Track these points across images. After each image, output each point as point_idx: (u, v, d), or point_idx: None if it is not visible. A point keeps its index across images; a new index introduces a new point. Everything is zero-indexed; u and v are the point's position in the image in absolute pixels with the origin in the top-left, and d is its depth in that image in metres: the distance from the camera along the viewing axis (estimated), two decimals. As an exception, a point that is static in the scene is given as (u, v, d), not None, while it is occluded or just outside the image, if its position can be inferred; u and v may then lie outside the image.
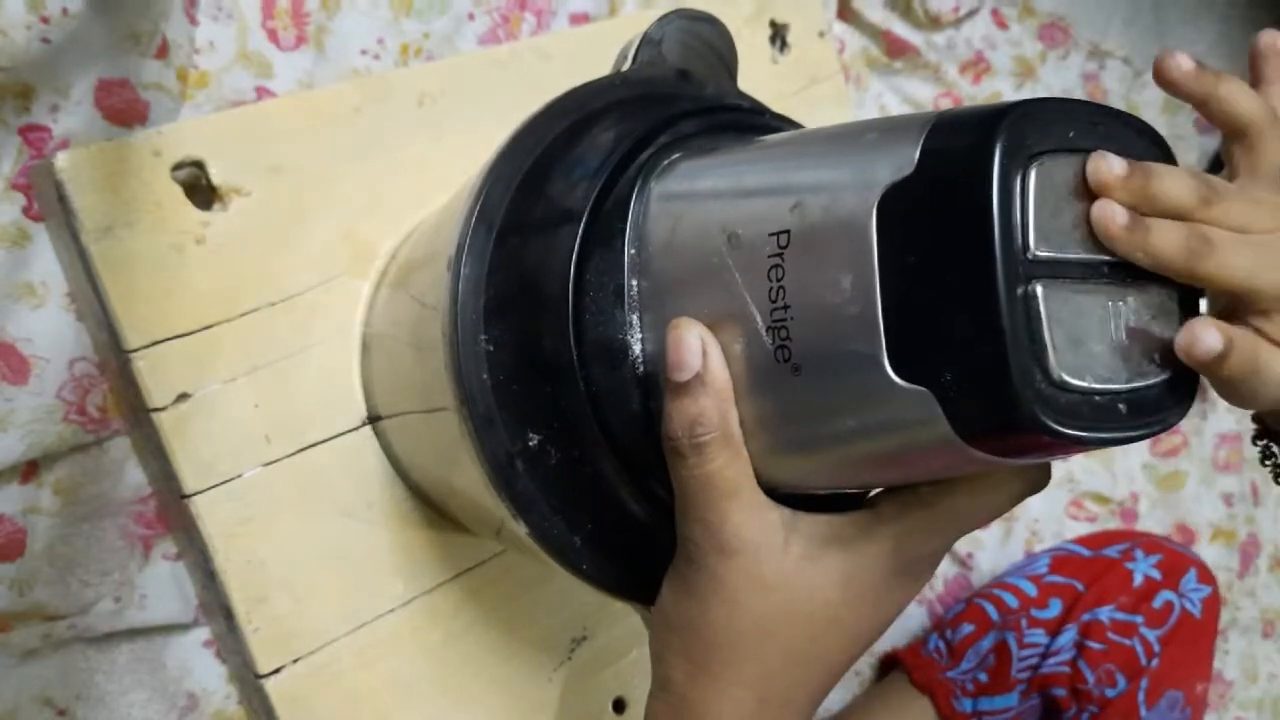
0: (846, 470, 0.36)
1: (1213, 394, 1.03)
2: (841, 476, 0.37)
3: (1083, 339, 0.31)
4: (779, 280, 0.34)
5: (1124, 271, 0.32)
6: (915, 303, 0.31)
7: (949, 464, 0.34)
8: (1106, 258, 0.32)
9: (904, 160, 0.32)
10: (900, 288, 0.31)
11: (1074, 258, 0.31)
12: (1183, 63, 0.35)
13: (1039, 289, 0.31)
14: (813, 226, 0.33)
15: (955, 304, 0.31)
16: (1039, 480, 0.35)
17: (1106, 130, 0.33)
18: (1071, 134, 0.32)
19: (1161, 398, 0.33)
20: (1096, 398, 0.31)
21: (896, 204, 0.32)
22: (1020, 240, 0.30)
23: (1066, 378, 0.31)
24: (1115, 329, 0.32)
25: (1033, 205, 0.30)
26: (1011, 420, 0.30)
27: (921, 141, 0.32)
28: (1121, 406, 0.32)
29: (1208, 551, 0.94)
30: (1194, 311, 0.34)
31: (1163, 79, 0.35)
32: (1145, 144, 0.33)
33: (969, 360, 0.30)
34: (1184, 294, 0.34)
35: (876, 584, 0.35)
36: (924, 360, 0.31)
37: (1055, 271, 0.31)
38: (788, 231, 0.34)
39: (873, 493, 0.38)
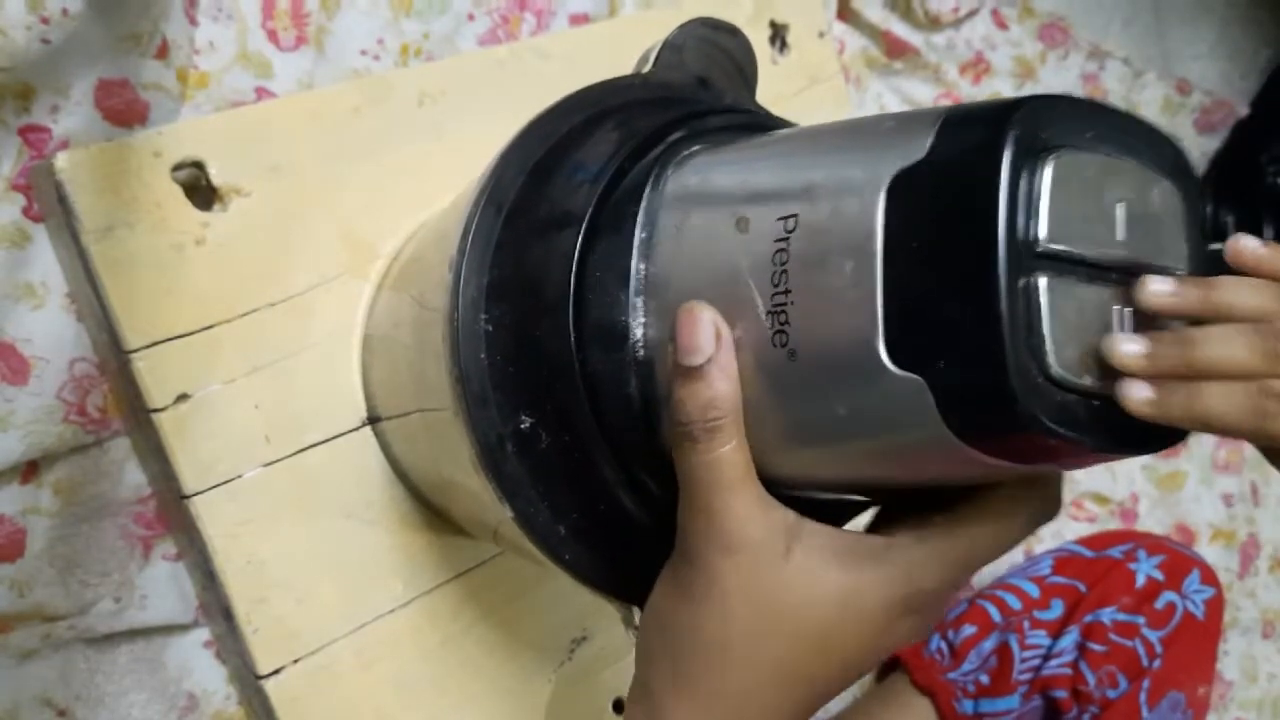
0: (840, 466, 0.35)
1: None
2: (835, 472, 0.36)
3: (1085, 337, 0.30)
4: (783, 265, 0.33)
5: (1135, 276, 0.32)
6: (915, 288, 0.30)
7: (944, 464, 0.32)
8: (1119, 258, 0.31)
9: (916, 149, 0.31)
10: (902, 273, 0.31)
11: (1087, 254, 0.31)
12: (1253, 244, 0.32)
13: (1042, 281, 0.30)
14: (820, 210, 0.33)
15: (954, 289, 0.30)
16: (1048, 507, 0.34)
17: (1130, 139, 0.32)
18: (1090, 134, 0.31)
19: None
20: (1095, 401, 0.30)
21: (905, 189, 0.31)
22: (1029, 231, 0.29)
23: (1065, 374, 0.30)
24: (1122, 331, 0.31)
25: (1047, 198, 0.30)
26: (1003, 414, 0.29)
27: (934, 131, 0.31)
28: (1116, 417, 0.31)
29: (1207, 552, 0.94)
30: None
31: (1236, 262, 0.32)
32: (1164, 158, 0.33)
33: (963, 347, 0.29)
34: None
35: (878, 611, 0.33)
36: (919, 347, 0.30)
37: (1065, 268, 0.30)
38: (796, 215, 0.33)
39: (878, 516, 0.37)
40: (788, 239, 0.33)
